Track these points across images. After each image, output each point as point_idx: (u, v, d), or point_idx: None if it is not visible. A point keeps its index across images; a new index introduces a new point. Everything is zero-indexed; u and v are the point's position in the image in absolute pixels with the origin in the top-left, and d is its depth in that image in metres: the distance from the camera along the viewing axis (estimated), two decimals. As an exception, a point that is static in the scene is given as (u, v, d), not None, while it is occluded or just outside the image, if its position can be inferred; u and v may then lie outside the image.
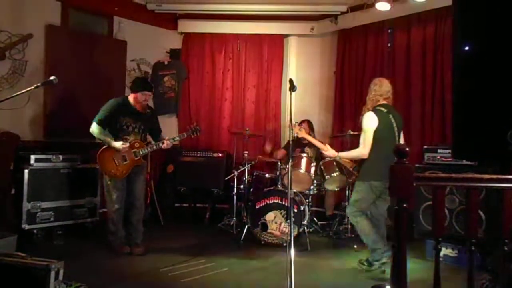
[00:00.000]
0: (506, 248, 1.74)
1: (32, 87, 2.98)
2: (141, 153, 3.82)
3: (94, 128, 3.78)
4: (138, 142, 3.86)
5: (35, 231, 4.07)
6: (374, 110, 3.41)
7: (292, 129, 3.69)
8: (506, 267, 1.80)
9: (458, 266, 3.52)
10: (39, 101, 4.65)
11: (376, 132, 3.33)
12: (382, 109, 3.42)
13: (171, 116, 6.01)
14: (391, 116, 3.43)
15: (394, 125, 3.42)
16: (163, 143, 3.86)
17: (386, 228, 3.54)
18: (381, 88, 3.47)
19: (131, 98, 3.88)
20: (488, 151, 1.28)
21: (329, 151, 3.66)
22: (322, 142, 3.87)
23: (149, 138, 4.15)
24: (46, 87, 4.35)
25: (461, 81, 1.28)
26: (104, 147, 3.78)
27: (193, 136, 4.05)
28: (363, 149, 3.37)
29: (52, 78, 3.07)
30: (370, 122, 3.35)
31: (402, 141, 3.57)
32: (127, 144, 3.74)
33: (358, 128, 5.18)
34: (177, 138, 4.02)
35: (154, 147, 3.89)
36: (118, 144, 3.72)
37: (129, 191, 3.89)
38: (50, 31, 4.71)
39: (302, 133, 3.82)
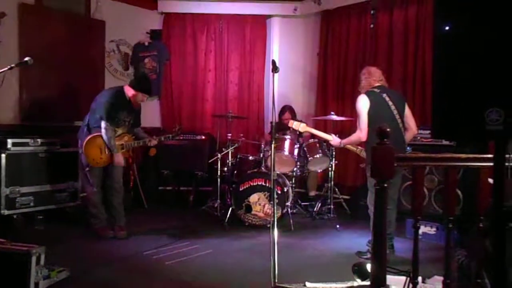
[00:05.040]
0: (481, 225, 1.79)
1: (6, 68, 2.88)
2: (128, 146, 3.87)
3: (108, 128, 3.65)
4: (127, 135, 3.89)
5: (15, 216, 4.00)
6: (367, 92, 3.39)
7: (293, 127, 3.81)
8: (482, 243, 1.86)
9: (436, 243, 3.63)
10: (14, 83, 4.48)
11: (370, 114, 3.30)
12: (375, 90, 3.40)
13: (153, 99, 5.91)
14: (384, 95, 3.37)
15: (390, 103, 3.35)
16: (150, 141, 3.96)
17: (395, 212, 3.46)
18: (370, 75, 3.47)
19: (128, 92, 3.81)
20: (466, 131, 1.29)
21: (334, 141, 3.63)
22: (326, 133, 3.81)
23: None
24: (21, 69, 4.20)
25: (441, 61, 1.28)
26: (95, 134, 3.70)
27: (176, 137, 4.17)
28: (360, 133, 3.34)
29: (27, 59, 2.97)
30: (361, 104, 3.33)
31: (410, 118, 3.45)
32: (123, 164, 3.83)
33: (341, 111, 5.27)
34: (162, 139, 4.07)
35: (141, 144, 3.96)
36: (119, 159, 3.76)
37: (107, 174, 3.87)
38: (23, 10, 4.50)
39: (304, 128, 3.83)
